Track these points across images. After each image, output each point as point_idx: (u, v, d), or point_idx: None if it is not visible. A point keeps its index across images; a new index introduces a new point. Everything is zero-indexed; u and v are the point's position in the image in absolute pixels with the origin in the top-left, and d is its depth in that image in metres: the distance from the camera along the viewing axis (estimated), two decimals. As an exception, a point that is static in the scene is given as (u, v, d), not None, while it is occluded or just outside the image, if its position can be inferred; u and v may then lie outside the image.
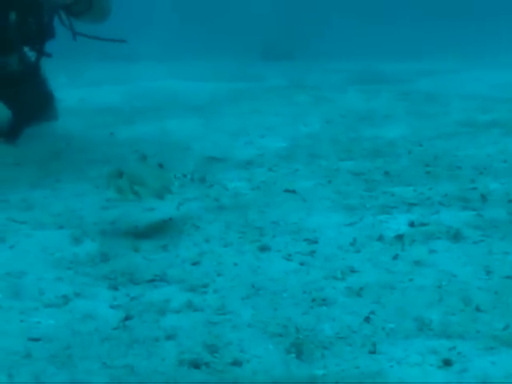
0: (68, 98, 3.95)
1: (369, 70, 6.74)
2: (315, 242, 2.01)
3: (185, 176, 2.54)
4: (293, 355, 1.36)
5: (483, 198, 2.43)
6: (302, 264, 1.86)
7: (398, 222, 2.18)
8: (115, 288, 1.71)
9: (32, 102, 3.81)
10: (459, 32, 9.17)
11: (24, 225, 2.16)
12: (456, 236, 2.06)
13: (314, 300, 1.62)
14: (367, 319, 1.52)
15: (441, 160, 2.96)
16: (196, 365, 1.32)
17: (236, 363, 1.33)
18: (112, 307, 1.60)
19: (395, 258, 1.89)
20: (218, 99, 4.73)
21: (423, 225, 2.15)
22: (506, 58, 7.85)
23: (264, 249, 1.98)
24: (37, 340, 1.44)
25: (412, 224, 2.15)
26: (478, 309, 1.58)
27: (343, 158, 3.01)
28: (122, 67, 6.81)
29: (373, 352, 1.38)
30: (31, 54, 3.72)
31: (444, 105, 4.39)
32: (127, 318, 1.54)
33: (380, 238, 2.03)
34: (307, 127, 3.72)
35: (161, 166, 2.50)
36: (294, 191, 2.50)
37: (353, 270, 1.80)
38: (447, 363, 1.33)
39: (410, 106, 4.35)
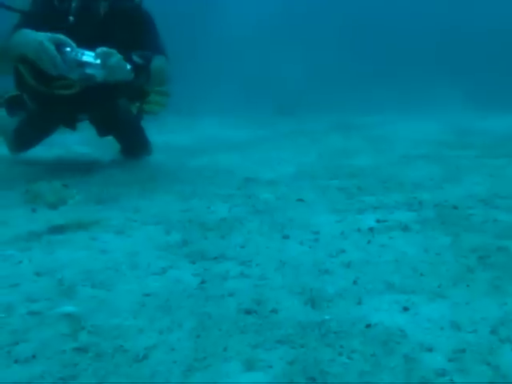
0: (157, 141, 3.92)
1: (343, 120, 6.69)
2: (317, 233, 2.00)
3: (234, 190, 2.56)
4: (309, 306, 1.37)
5: (420, 203, 2.42)
6: (310, 247, 1.86)
7: (369, 219, 2.16)
8: (193, 263, 1.72)
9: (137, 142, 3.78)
10: (397, 91, 9.07)
11: (135, 222, 2.15)
12: (405, 228, 2.05)
13: (319, 270, 1.62)
14: (355, 282, 1.51)
15: (392, 179, 2.94)
16: (248, 312, 1.33)
17: (274, 311, 1.33)
18: (193, 275, 1.61)
19: (369, 242, 1.89)
20: (249, 141, 4.71)
21: (385, 221, 2.13)
22: (429, 111, 7.80)
23: (285, 237, 1.97)
24: (148, 295, 1.45)
25: (378, 221, 2.13)
26: (421, 274, 1.58)
27: (331, 178, 2.99)
28: (187, 120, 6.79)
29: (359, 303, 1.38)
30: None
31: (391, 144, 4.37)
32: (203, 282, 1.54)
33: (358, 230, 2.02)
34: (307, 158, 3.71)
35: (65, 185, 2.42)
36: (302, 200, 2.48)
37: (343, 251, 1.79)
38: (405, 309, 1.33)
39: (370, 144, 4.33)
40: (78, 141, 4.63)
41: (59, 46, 2.48)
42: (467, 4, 12.34)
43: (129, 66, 2.70)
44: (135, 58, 2.81)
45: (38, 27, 2.75)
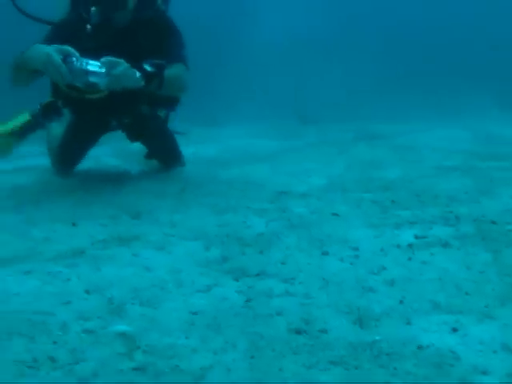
0: (184, 152, 3.96)
1: (367, 129, 6.68)
2: (357, 249, 2.02)
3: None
4: (357, 326, 1.39)
5: (457, 218, 2.42)
6: (351, 264, 1.88)
7: (407, 235, 2.18)
8: (236, 280, 1.75)
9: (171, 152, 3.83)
10: (424, 98, 9.02)
11: (173, 237, 2.19)
12: (445, 244, 2.06)
13: (363, 288, 1.64)
14: (401, 302, 1.53)
15: (425, 192, 2.94)
16: (298, 331, 1.36)
17: (323, 331, 1.36)
18: (237, 292, 1.64)
19: (409, 259, 1.90)
20: (276, 152, 4.74)
21: (423, 237, 2.14)
22: (458, 118, 7.75)
23: (325, 253, 1.99)
24: (195, 313, 1.48)
25: (416, 236, 2.15)
26: (466, 293, 1.59)
27: (363, 191, 3.00)
28: (213, 130, 6.83)
29: (408, 323, 1.40)
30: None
31: (420, 155, 4.36)
32: (248, 300, 1.57)
33: (398, 246, 2.04)
34: (336, 170, 3.72)
35: None
36: (337, 214, 2.50)
37: (384, 268, 1.82)
38: (455, 330, 1.35)
39: (399, 155, 4.32)
40: (107, 152, 4.70)
41: (66, 57, 2.60)
42: (496, 8, 12.25)
43: (138, 74, 2.77)
44: (146, 66, 2.87)
45: (59, 38, 2.94)
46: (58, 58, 2.57)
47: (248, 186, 3.21)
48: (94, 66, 2.64)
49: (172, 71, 3.03)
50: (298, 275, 1.77)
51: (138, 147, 3.98)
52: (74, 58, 2.60)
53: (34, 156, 4.90)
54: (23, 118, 3.90)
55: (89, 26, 3.10)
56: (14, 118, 3.95)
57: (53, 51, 2.59)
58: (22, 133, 3.89)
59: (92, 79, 2.63)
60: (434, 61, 11.15)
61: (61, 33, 3.19)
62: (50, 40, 3.15)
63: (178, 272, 1.80)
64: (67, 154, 3.76)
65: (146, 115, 3.46)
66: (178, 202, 2.80)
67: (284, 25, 10.72)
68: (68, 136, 3.71)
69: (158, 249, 2.05)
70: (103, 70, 2.63)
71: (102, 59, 2.68)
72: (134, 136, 3.70)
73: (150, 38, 3.23)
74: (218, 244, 2.12)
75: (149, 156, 3.96)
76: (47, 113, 3.58)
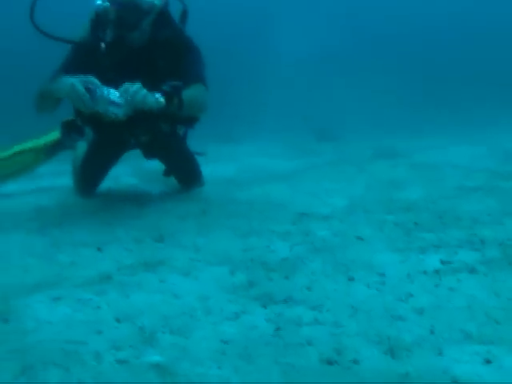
0: (204, 172, 3.99)
1: (385, 146, 6.67)
2: (383, 275, 2.03)
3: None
4: (389, 356, 1.39)
5: (482, 242, 2.42)
6: (377, 290, 1.89)
7: (433, 260, 2.18)
8: (264, 307, 1.76)
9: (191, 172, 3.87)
10: (442, 113, 9.01)
11: (199, 262, 2.21)
12: (472, 270, 2.06)
13: (392, 317, 1.65)
14: (431, 331, 1.54)
15: (448, 213, 2.93)
16: (330, 362, 1.37)
17: (355, 361, 1.37)
18: (266, 320, 1.65)
19: (437, 286, 1.91)
20: (295, 170, 4.75)
21: (449, 262, 2.14)
22: (478, 134, 7.71)
23: (351, 279, 2.00)
24: (226, 342, 1.49)
25: (442, 262, 2.14)
26: (497, 322, 1.59)
27: (386, 212, 3.00)
28: (229, 147, 6.86)
29: (439, 354, 1.40)
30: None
31: (441, 173, 4.33)
32: (278, 329, 1.59)
33: (424, 272, 2.04)
34: (356, 190, 3.72)
35: None
36: (361, 238, 2.50)
37: (411, 295, 1.82)
38: (488, 361, 1.35)
39: (420, 173, 4.30)
40: (126, 171, 4.75)
41: (89, 86, 2.73)
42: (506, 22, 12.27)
43: (157, 95, 2.85)
44: (165, 88, 2.94)
45: (78, 57, 3.18)
46: (81, 88, 2.71)
47: (269, 206, 3.22)
48: (114, 95, 2.75)
49: (191, 92, 3.09)
50: (325, 302, 1.78)
51: (155, 165, 4.03)
52: (96, 88, 2.72)
53: (55, 175, 4.97)
54: (55, 135, 4.00)
55: (103, 45, 3.21)
56: (47, 134, 4.05)
57: (77, 81, 2.73)
58: (52, 150, 3.98)
59: (112, 109, 2.76)
60: (448, 76, 11.15)
61: (79, 52, 3.30)
62: (70, 59, 3.25)
63: (206, 299, 1.81)
64: (89, 173, 3.82)
65: (165, 133, 3.51)
66: (200, 225, 2.82)
67: (302, 41, 10.82)
68: (89, 155, 3.78)
69: (185, 274, 2.07)
70: (122, 101, 2.74)
71: (121, 88, 2.78)
72: (151, 154, 3.75)
73: (168, 58, 3.31)
74: (243, 269, 2.14)
75: (167, 173, 4.00)
76: (67, 131, 3.65)
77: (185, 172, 3.89)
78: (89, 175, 3.83)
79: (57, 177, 4.92)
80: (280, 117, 8.68)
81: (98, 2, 3.20)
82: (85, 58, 3.27)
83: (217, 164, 5.11)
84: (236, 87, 9.65)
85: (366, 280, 1.98)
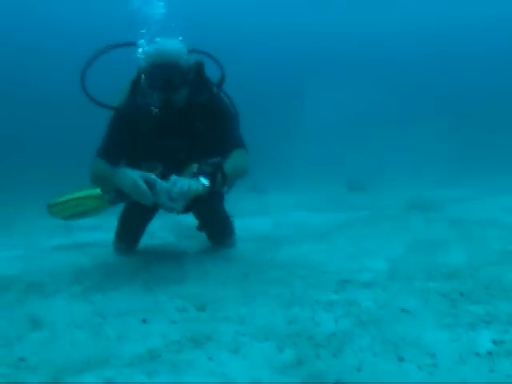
0: (237, 225, 4.04)
1: (418, 196, 6.65)
2: (434, 355, 2.00)
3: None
4: None
5: (536, 318, 2.38)
6: (430, 374, 1.87)
7: (484, 339, 2.14)
8: (318, 390, 1.76)
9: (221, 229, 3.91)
10: (479, 162, 8.97)
11: (244, 337, 2.22)
12: (526, 351, 2.03)
13: (449, 406, 1.63)
14: (493, 428, 1.51)
15: (494, 283, 2.88)
16: None
17: None
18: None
19: (491, 371, 1.88)
20: (330, 227, 4.76)
21: (502, 342, 2.11)
22: (508, 183, 7.64)
23: (401, 359, 1.98)
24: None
25: (494, 342, 2.11)
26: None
27: (428, 279, 2.98)
28: (256, 197, 6.90)
29: None
30: None
31: (482, 232, 4.29)
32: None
33: (477, 354, 2.01)
34: (395, 250, 3.72)
35: None
36: (406, 311, 2.49)
37: (465, 382, 1.80)
38: None
39: (459, 233, 4.25)
40: (160, 226, 4.82)
41: (149, 182, 2.92)
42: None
43: (202, 180, 3.03)
44: (206, 169, 3.09)
45: (124, 124, 3.37)
46: (143, 185, 2.89)
47: (309, 271, 3.23)
48: (170, 188, 2.93)
49: (232, 162, 3.23)
50: (378, 386, 1.76)
51: (188, 219, 4.08)
52: (156, 183, 2.92)
53: (91, 229, 5.07)
54: None
55: (155, 110, 3.34)
56: None
57: (138, 178, 2.90)
58: (116, 199, 4.08)
59: (170, 204, 2.96)
60: (484, 121, 11.15)
61: (125, 118, 3.41)
62: (117, 126, 3.37)
63: (258, 381, 1.82)
64: (128, 230, 3.90)
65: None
66: (242, 292, 2.84)
67: (337, 94, 10.98)
68: (128, 211, 3.88)
69: (233, 351, 2.08)
70: (177, 195, 2.92)
71: (170, 181, 2.93)
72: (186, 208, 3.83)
73: (206, 120, 3.46)
74: (290, 344, 2.14)
75: (200, 228, 4.07)
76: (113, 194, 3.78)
77: (217, 229, 3.95)
78: (128, 232, 3.91)
79: (93, 231, 5.02)
80: (309, 165, 8.73)
81: (142, 65, 3.34)
82: (128, 124, 3.40)
83: (251, 217, 5.16)
84: (263, 133, 9.78)
85: (416, 361, 1.96)
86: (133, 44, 3.41)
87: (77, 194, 4.26)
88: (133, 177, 2.91)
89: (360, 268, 3.30)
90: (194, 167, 3.12)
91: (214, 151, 3.32)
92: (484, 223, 4.69)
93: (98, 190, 4.13)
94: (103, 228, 4.87)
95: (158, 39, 3.34)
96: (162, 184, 2.91)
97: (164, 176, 3.18)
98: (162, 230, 4.84)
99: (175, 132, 3.48)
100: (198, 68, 3.39)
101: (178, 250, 4.03)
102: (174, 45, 3.30)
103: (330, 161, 9.00)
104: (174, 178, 2.94)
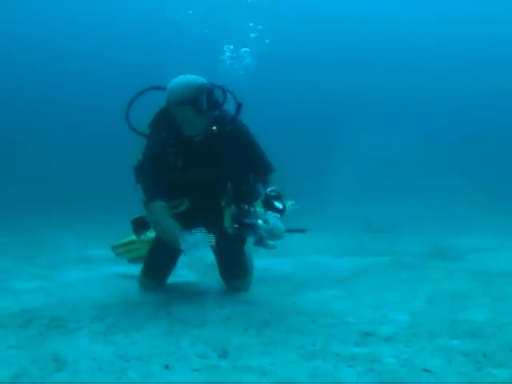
0: (257, 265, 4.07)
1: (438, 243, 6.63)
2: (459, 422, 2.00)
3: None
4: None
5: None
6: None
7: (509, 407, 2.14)
8: None
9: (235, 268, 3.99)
10: (498, 210, 8.93)
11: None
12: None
13: None
14: None
15: (517, 344, 2.85)
16: None
17: None
18: None
19: None
20: (351, 272, 4.76)
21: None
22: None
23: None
24: None
25: (520, 411, 2.11)
26: None
27: (451, 337, 2.97)
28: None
29: None
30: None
31: (505, 288, 4.22)
32: None
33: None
34: (417, 302, 3.71)
35: None
36: (429, 371, 2.48)
37: None
38: None
39: (482, 287, 4.21)
40: (181, 263, 4.84)
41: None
42: None
43: (278, 204, 3.58)
44: (277, 204, 3.52)
45: (156, 156, 3.54)
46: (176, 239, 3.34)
47: (331, 321, 3.23)
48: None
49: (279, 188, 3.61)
50: None
51: (211, 257, 4.11)
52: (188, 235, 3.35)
53: (108, 261, 5.12)
54: None
55: (195, 139, 3.55)
56: None
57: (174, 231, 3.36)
58: None
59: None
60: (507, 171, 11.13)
61: (154, 157, 3.52)
62: (149, 166, 3.47)
63: None
64: (157, 265, 3.93)
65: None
66: (263, 340, 2.86)
67: (358, 137, 11.06)
68: (155, 247, 3.92)
69: (255, 405, 2.09)
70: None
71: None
72: None
73: (231, 149, 3.64)
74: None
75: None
76: (138, 228, 3.83)
77: (229, 269, 3.98)
78: (157, 268, 3.94)
79: (112, 263, 5.07)
80: (331, 206, 8.75)
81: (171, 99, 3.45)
82: (158, 161, 3.50)
83: (271, 257, 5.16)
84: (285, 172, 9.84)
85: (440, 428, 1.95)
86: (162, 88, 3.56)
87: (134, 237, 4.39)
88: (168, 227, 3.35)
89: (381, 320, 3.30)
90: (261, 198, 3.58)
91: (241, 177, 3.69)
92: (508, 275, 4.65)
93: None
94: (121, 261, 4.92)
95: (181, 76, 3.50)
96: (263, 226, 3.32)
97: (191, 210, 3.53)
98: (183, 266, 4.86)
99: (205, 160, 3.63)
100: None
101: (199, 290, 4.06)
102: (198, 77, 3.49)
103: (352, 201, 9.01)
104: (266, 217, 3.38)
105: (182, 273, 4.70)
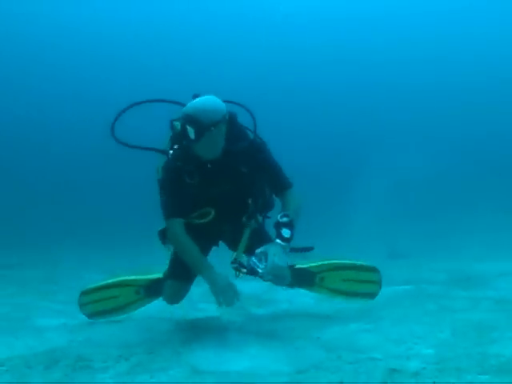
0: (279, 302, 4.04)
1: (461, 269, 6.56)
2: None
3: None
4: None
5: None
6: None
7: None
8: None
9: None
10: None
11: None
12: None
13: None
14: None
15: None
16: None
17: None
18: None
19: None
20: (373, 304, 4.69)
21: None
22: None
23: None
24: None
25: None
26: None
27: (479, 372, 2.93)
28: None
29: None
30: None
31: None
32: None
33: None
34: (442, 335, 3.67)
35: None
36: (460, 411, 2.45)
37: None
38: None
39: (508, 315, 4.16)
40: (201, 295, 4.83)
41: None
42: None
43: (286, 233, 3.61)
44: (285, 233, 3.57)
45: (177, 181, 3.61)
46: (235, 288, 3.47)
47: (358, 357, 3.21)
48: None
49: (294, 210, 3.69)
50: None
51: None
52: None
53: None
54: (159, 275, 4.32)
55: (209, 165, 3.62)
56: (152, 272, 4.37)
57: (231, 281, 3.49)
58: (154, 290, 4.24)
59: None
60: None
61: (175, 175, 3.65)
62: (170, 183, 3.65)
63: None
64: (181, 266, 3.87)
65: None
66: (291, 379, 2.85)
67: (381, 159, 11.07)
68: (175, 261, 3.98)
69: None
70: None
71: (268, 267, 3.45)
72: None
73: (249, 164, 3.71)
74: None
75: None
76: (162, 239, 3.93)
77: None
78: (182, 268, 3.86)
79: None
80: (351, 231, 8.73)
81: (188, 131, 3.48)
82: (178, 178, 3.63)
83: (288, 289, 5.12)
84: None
85: None
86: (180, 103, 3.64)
87: (110, 281, 4.29)
88: (228, 279, 3.44)
89: (407, 354, 3.28)
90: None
91: (260, 191, 3.80)
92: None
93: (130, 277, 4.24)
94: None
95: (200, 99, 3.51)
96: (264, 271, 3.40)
97: (217, 220, 3.68)
98: (203, 299, 4.86)
99: (223, 179, 3.70)
100: (232, 119, 3.63)
101: (221, 326, 4.05)
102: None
103: (372, 226, 8.99)
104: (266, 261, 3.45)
105: (203, 307, 4.70)
